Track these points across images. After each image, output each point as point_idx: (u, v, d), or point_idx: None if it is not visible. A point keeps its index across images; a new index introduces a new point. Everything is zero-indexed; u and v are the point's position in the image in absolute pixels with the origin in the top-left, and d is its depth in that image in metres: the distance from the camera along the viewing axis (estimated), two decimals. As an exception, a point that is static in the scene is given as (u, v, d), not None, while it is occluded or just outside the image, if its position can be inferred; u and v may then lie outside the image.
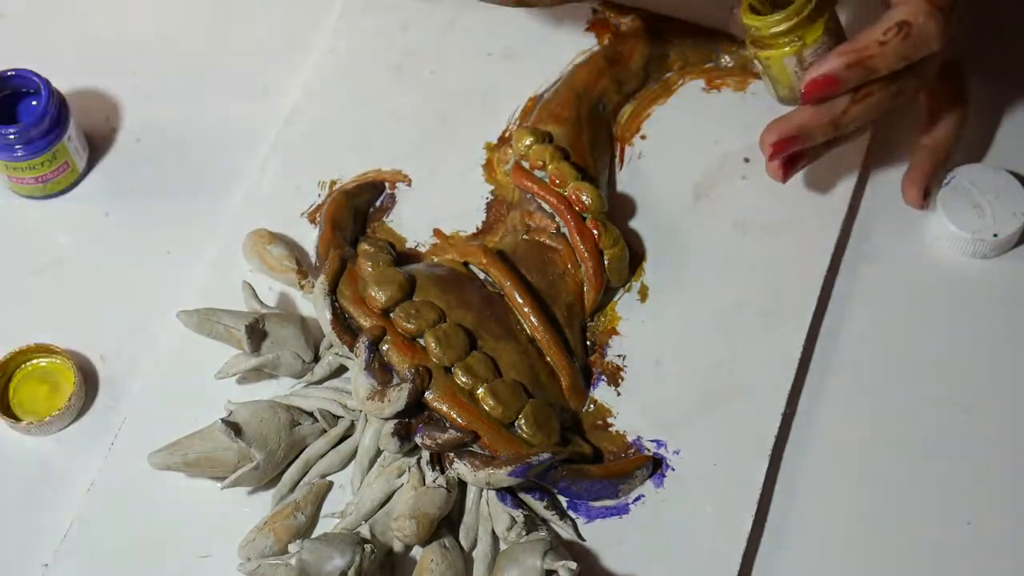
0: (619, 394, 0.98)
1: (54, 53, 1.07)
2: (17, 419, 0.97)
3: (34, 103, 1.03)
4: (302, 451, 0.95)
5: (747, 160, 1.05)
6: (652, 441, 0.96)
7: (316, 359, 0.97)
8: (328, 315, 0.95)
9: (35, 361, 0.99)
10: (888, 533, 0.94)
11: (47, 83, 1.01)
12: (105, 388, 0.99)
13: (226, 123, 1.04)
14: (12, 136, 1.00)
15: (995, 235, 1.00)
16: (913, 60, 0.94)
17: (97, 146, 1.06)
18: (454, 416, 0.93)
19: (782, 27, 0.94)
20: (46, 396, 0.98)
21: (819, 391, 0.98)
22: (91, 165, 1.06)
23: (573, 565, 0.88)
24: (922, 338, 1.00)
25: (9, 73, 1.03)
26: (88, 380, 0.98)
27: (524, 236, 1.01)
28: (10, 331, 0.99)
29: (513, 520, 0.91)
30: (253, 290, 0.98)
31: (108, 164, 1.06)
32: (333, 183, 1.04)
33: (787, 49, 0.95)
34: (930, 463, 0.96)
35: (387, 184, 1.05)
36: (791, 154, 0.98)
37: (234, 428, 0.92)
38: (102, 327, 1.00)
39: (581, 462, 0.94)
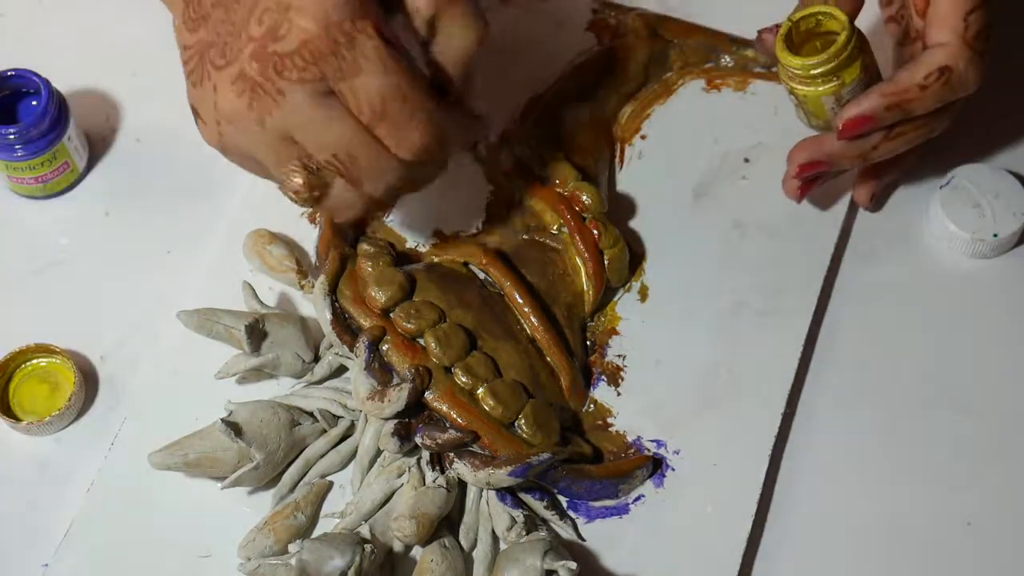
0: (619, 394, 0.98)
1: (54, 53, 1.07)
2: (17, 419, 0.97)
3: (34, 103, 1.03)
4: (302, 451, 0.95)
5: (747, 160, 1.05)
6: (652, 441, 0.96)
7: (316, 359, 0.97)
8: (328, 315, 0.95)
9: (35, 361, 0.98)
10: (888, 533, 0.94)
11: (47, 83, 1.01)
12: (105, 388, 0.99)
13: (226, 123, 1.04)
14: (12, 136, 1.00)
15: (995, 235, 1.00)
16: (949, 102, 0.95)
17: (97, 146, 1.06)
18: (454, 416, 0.92)
19: (821, 69, 0.94)
20: (46, 396, 0.98)
21: (819, 391, 0.98)
22: (91, 165, 1.06)
23: (573, 565, 0.88)
24: (922, 338, 1.00)
25: (9, 73, 1.03)
26: (88, 380, 0.98)
27: (524, 236, 1.01)
28: (10, 331, 0.99)
29: (513, 520, 0.91)
30: (253, 290, 0.98)
31: (108, 164, 1.06)
32: (333, 183, 1.04)
33: (825, 88, 0.95)
34: (930, 463, 0.96)
35: None
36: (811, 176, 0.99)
37: (234, 428, 0.92)
38: (102, 327, 1.00)
39: (581, 462, 0.94)
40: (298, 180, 0.87)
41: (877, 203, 1.03)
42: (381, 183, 0.88)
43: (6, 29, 1.11)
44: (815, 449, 0.96)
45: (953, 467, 0.96)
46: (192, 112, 0.89)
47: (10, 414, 0.97)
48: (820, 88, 0.94)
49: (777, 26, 0.97)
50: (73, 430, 0.97)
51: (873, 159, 0.97)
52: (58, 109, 1.02)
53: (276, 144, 0.87)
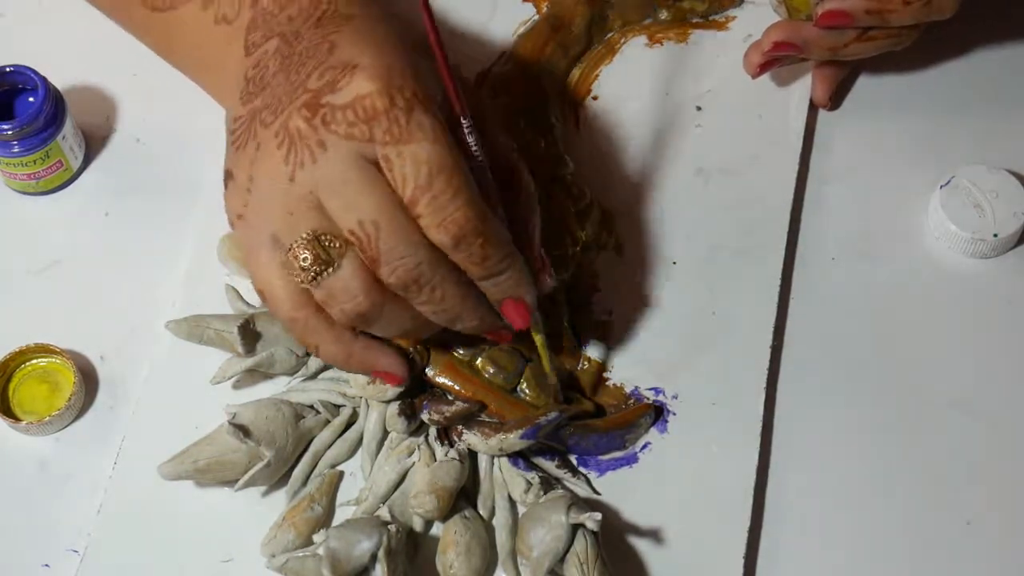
0: (610, 348, 0.99)
1: (54, 53, 1.06)
2: (17, 419, 0.96)
3: (31, 99, 1.03)
4: (310, 443, 0.94)
5: (699, 108, 1.07)
6: (650, 389, 0.97)
7: (307, 352, 0.97)
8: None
9: (35, 361, 0.98)
10: (888, 532, 0.94)
11: (44, 81, 1.01)
12: (105, 388, 0.98)
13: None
14: (9, 132, 1.00)
15: (995, 235, 1.01)
16: (923, 22, 1.01)
17: (97, 145, 1.06)
18: (458, 389, 0.93)
19: None
20: (46, 396, 0.97)
21: (819, 391, 0.98)
22: (91, 165, 1.05)
23: (598, 516, 0.88)
24: (922, 338, 1.00)
25: (8, 69, 1.02)
26: (88, 380, 0.98)
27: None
28: (10, 331, 0.98)
29: (528, 483, 0.92)
30: (237, 292, 0.97)
31: (108, 164, 1.05)
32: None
33: None
34: (930, 463, 0.96)
35: None
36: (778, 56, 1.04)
37: (242, 429, 0.91)
38: (102, 327, 0.99)
39: (585, 418, 0.95)
40: (306, 253, 0.83)
41: (834, 102, 1.07)
42: (399, 266, 0.82)
43: (6, 29, 1.11)
44: (811, 449, 0.96)
45: (953, 467, 0.96)
46: (224, 177, 0.87)
47: (10, 414, 0.96)
48: None
49: None
50: (73, 430, 0.97)
51: (841, 56, 1.03)
52: (54, 107, 1.01)
53: (298, 205, 0.83)
